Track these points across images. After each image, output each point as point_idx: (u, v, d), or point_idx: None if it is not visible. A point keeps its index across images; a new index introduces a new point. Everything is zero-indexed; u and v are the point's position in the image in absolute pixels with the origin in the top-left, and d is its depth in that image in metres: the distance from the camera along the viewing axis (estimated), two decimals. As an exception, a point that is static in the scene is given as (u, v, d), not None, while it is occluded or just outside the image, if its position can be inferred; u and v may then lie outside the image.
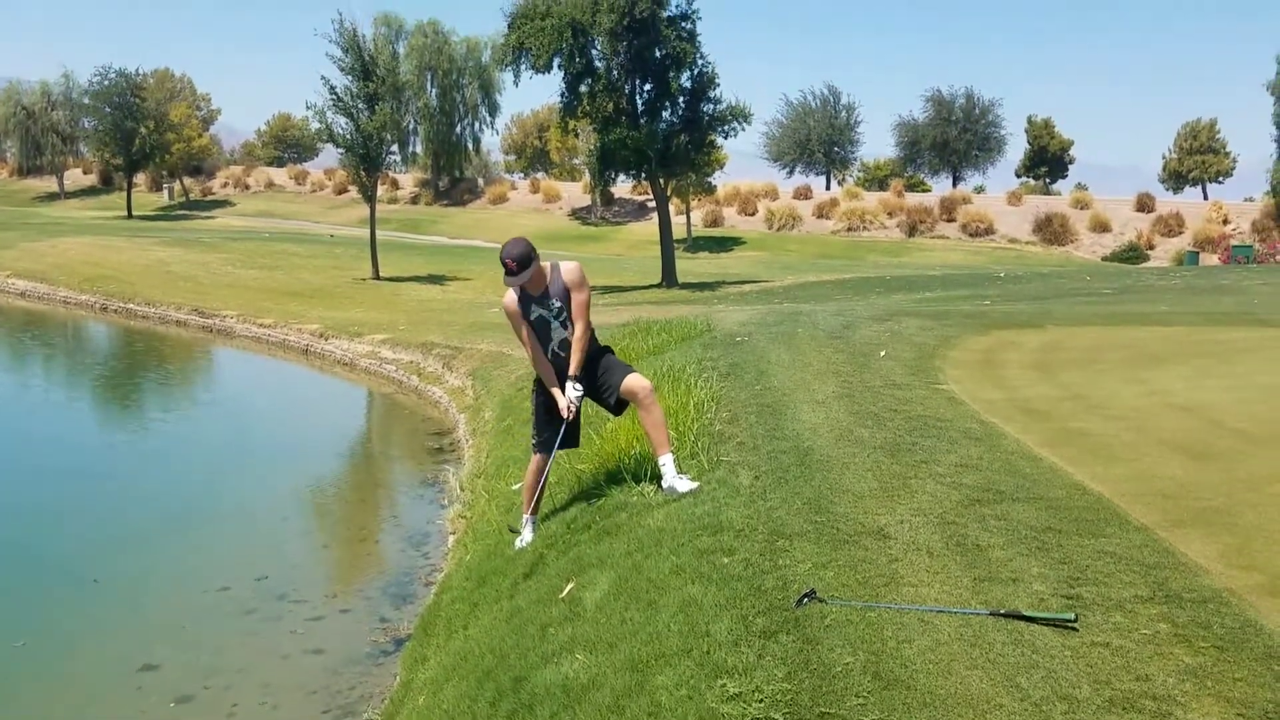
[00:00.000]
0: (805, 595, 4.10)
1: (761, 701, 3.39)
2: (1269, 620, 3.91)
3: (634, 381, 5.89)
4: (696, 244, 51.40)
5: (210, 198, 72.79)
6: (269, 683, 7.07)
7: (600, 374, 6.00)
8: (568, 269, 5.88)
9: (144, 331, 26.53)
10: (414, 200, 67.93)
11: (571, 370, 5.86)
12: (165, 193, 71.74)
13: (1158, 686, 3.41)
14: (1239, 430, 7.16)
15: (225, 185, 75.14)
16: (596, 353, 6.04)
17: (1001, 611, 3.96)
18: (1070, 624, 3.86)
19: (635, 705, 3.65)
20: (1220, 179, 67.11)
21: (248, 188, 74.30)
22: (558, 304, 5.84)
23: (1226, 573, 4.41)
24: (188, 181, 73.14)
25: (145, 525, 10.74)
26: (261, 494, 12.14)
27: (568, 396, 5.85)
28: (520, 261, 5.63)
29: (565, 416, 5.88)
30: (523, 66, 30.88)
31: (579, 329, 5.82)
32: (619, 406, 6.06)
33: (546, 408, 6.06)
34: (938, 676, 3.50)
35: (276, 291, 29.76)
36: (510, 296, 5.85)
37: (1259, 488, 5.67)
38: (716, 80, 31.43)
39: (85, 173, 77.84)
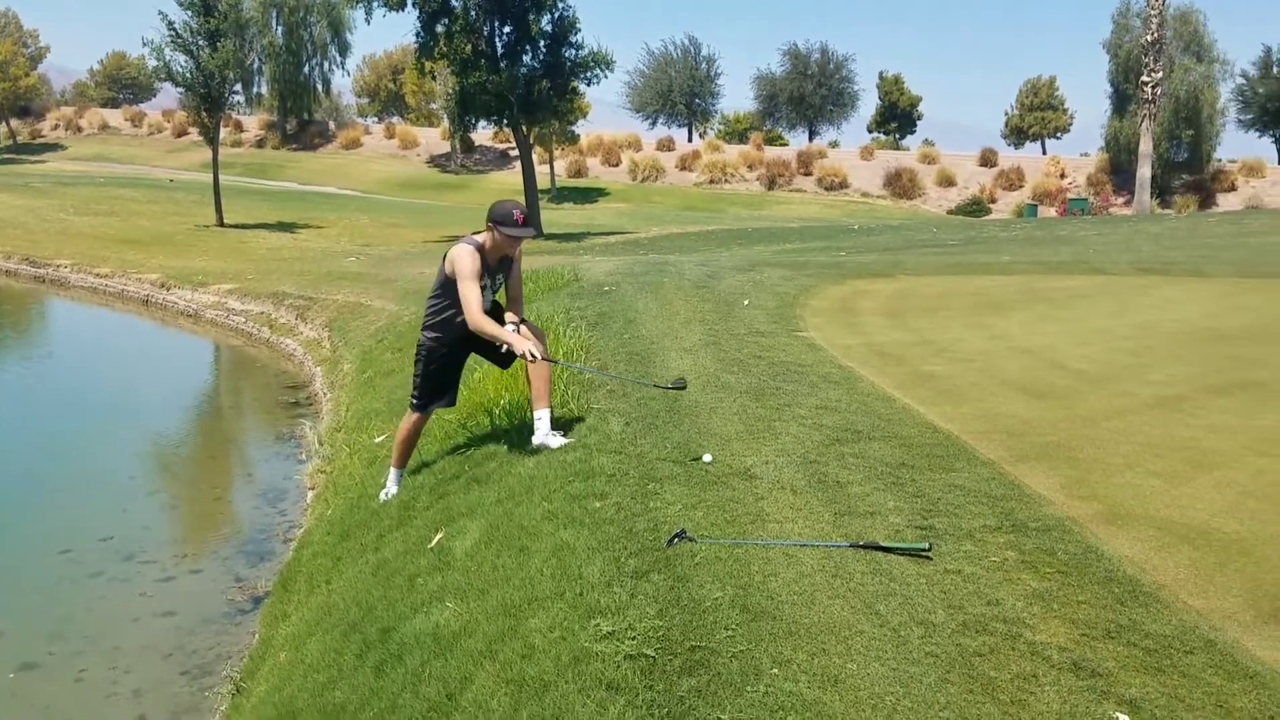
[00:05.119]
0: (676, 535, 4.17)
1: (634, 638, 3.43)
2: (1108, 546, 4.19)
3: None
4: (561, 194, 51.03)
5: (40, 140, 68.12)
6: (119, 646, 6.75)
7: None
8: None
9: (-35, 282, 24.69)
10: (260, 144, 65.06)
11: (520, 315, 5.81)
12: (-12, 135, 66.70)
13: (1008, 610, 3.61)
14: (1076, 371, 7.60)
15: (56, 127, 70.33)
16: (494, 307, 5.92)
17: (861, 543, 4.12)
18: (925, 553, 4.04)
19: (508, 648, 3.64)
20: (1058, 135, 70.58)
21: (80, 130, 69.74)
22: (501, 276, 5.83)
23: (1068, 503, 4.69)
24: (14, 124, 68.21)
25: (-25, 487, 10.06)
26: (104, 453, 11.50)
27: (523, 340, 5.61)
28: (525, 215, 5.65)
29: (531, 360, 5.58)
30: (374, 4, 29.82)
31: (515, 280, 5.88)
32: (508, 359, 5.97)
33: (438, 371, 5.98)
34: (802, 607, 3.62)
35: (113, 239, 28.07)
36: (472, 263, 5.61)
37: (1096, 424, 6.04)
38: (577, 25, 31.05)
39: (-102, 113, 71.57)
